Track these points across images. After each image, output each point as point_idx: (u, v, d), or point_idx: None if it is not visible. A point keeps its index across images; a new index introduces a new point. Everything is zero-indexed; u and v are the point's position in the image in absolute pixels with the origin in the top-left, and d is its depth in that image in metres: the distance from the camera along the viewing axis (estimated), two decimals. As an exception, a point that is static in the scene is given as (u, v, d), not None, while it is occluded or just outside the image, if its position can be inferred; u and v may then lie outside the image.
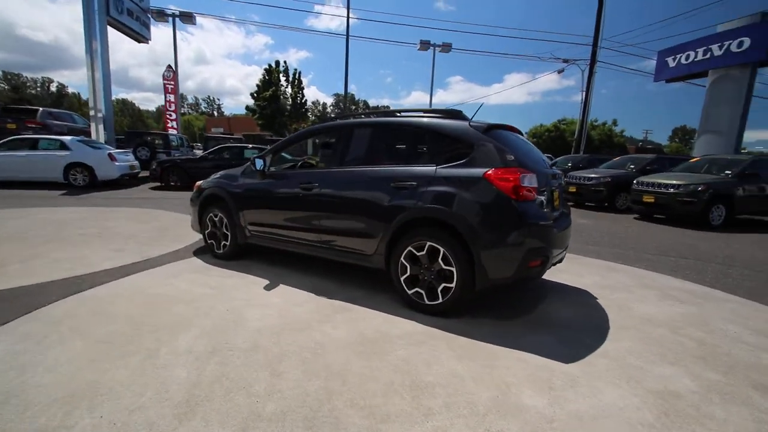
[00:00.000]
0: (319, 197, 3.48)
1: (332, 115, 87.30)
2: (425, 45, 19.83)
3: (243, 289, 3.45)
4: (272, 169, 4.00)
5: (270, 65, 32.79)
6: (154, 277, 3.67)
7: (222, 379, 2.04)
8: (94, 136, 13.06)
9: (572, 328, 2.86)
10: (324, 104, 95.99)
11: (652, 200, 8.85)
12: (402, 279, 3.07)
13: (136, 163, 11.86)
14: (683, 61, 21.19)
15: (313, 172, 3.69)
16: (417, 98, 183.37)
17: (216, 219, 4.37)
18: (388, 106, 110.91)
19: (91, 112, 13.14)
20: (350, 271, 4.02)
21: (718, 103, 18.73)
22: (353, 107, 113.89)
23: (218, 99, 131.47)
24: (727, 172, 8.69)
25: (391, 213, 3.06)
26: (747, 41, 17.74)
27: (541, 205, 2.83)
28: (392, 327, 2.75)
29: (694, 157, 11.20)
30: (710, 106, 19.12)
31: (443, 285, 2.87)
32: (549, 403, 1.94)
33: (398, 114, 3.44)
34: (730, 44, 18.42)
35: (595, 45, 24.60)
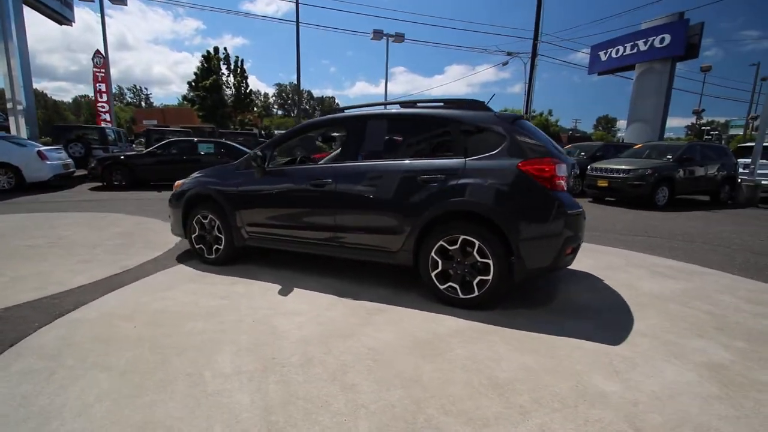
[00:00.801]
0: (335, 194, 3.28)
1: (337, 106, 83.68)
2: (378, 35, 19.64)
3: (258, 296, 3.18)
4: (270, 165, 3.71)
5: (209, 52, 30.55)
6: (146, 291, 3.26)
7: (293, 399, 1.84)
8: (14, 132, 11.30)
9: (601, 311, 2.99)
10: (265, 95, 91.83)
11: (606, 184, 9.59)
12: (433, 274, 3.00)
13: (70, 161, 10.50)
14: (613, 55, 23.10)
15: (324, 167, 3.46)
16: (362, 89, 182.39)
17: (205, 221, 3.98)
18: (333, 98, 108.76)
19: (9, 105, 11.34)
20: (363, 269, 3.87)
21: (644, 94, 20.67)
22: (296, 98, 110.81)
23: (146, 88, 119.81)
24: (667, 156, 9.64)
25: (420, 208, 2.97)
26: (668, 38, 19.73)
27: (570, 193, 2.90)
28: (437, 325, 2.68)
29: (637, 144, 12.27)
30: (637, 97, 21.04)
31: (479, 278, 2.85)
32: (624, 387, 1.99)
33: (416, 105, 3.32)
34: (653, 40, 20.36)
35: (535, 39, 25.80)
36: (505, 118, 2.95)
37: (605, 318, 2.86)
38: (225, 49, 31.51)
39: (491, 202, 2.76)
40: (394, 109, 3.35)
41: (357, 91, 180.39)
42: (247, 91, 32.38)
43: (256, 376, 2.03)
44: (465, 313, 2.86)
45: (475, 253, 2.84)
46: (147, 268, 3.93)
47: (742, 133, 39.30)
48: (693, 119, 42.39)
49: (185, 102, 32.49)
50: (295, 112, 24.56)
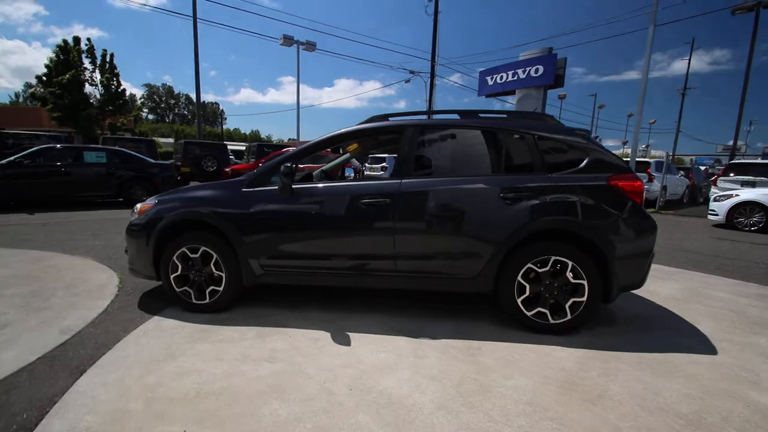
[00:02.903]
0: (396, 215, 2.77)
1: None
2: (288, 41, 18.59)
3: (314, 351, 2.45)
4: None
5: (66, 42, 24.98)
6: (139, 366, 2.25)
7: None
8: None
9: (674, 323, 3.07)
10: (132, 96, 79.64)
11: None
12: (519, 300, 2.73)
13: None
14: (498, 80, 26.20)
15: (377, 185, 2.90)
16: (248, 96, 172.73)
17: (194, 256, 3.01)
18: (215, 103, 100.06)
19: None
20: (406, 299, 3.37)
21: (525, 116, 23.87)
22: (172, 101, 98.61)
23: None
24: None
25: (504, 228, 2.68)
26: (541, 68, 23.22)
27: None
28: (554, 360, 2.40)
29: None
30: (520, 118, 24.19)
31: (572, 300, 2.68)
32: (782, 400, 2.02)
33: (478, 116, 3.02)
34: (530, 70, 23.71)
35: (433, 59, 27.70)
36: (583, 133, 2.87)
37: (688, 330, 2.93)
38: (89, 39, 26.29)
39: (586, 220, 2.63)
40: (464, 119, 2.99)
41: (243, 98, 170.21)
42: (120, 89, 27.49)
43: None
44: (562, 340, 2.65)
45: (568, 273, 2.66)
46: (105, 326, 2.78)
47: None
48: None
49: (33, 101, 25.83)
50: (196, 121, 21.25)
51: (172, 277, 3.04)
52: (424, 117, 3.14)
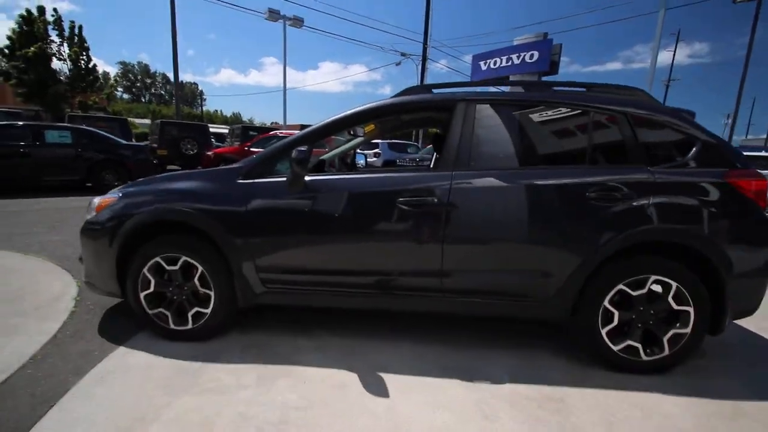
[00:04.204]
0: (444, 220, 2.08)
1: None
2: (274, 15, 17.32)
3: (342, 408, 1.77)
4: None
5: (29, 12, 22.92)
6: (119, 417, 1.54)
7: None
8: None
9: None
10: (105, 74, 75.59)
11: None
12: (605, 331, 2.10)
13: None
14: (492, 66, 25.50)
15: (419, 177, 2.19)
16: (229, 77, 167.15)
17: (173, 268, 2.27)
18: (194, 83, 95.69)
19: None
20: (437, 318, 2.72)
21: (520, 103, 23.38)
22: (149, 80, 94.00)
23: None
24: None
25: (590, 237, 2.03)
26: (536, 54, 22.59)
27: None
28: (665, 419, 1.78)
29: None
30: (514, 105, 23.69)
31: (673, 332, 2.07)
32: None
33: (552, 89, 2.32)
34: (525, 56, 23.06)
35: (425, 41, 26.80)
36: (687, 112, 2.23)
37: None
38: (55, 10, 24.21)
39: (699, 229, 2.00)
40: (534, 93, 2.29)
41: (223, 79, 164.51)
42: (91, 65, 25.59)
43: None
44: (657, 382, 2.04)
45: (669, 298, 2.04)
46: (50, 365, 2.05)
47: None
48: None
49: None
50: (174, 101, 19.70)
51: (142, 295, 2.30)
52: (472, 91, 2.43)
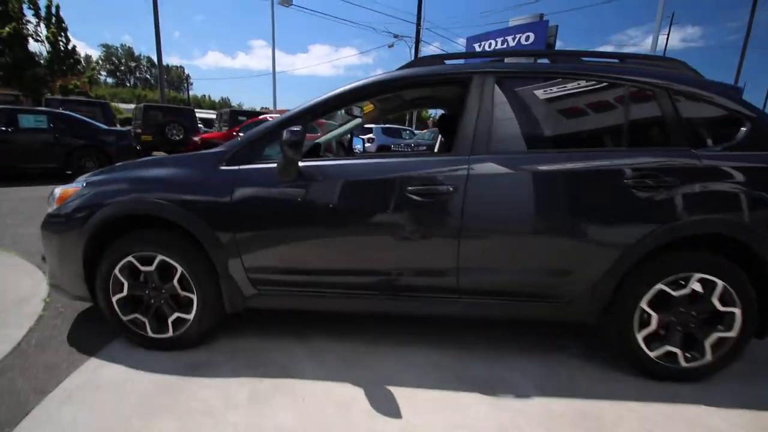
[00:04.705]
0: (462, 211, 1.81)
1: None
2: (262, -6, 16.54)
3: (343, 419, 1.53)
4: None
5: (1, -12, 21.74)
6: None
7: None
8: None
9: None
10: (88, 57, 72.93)
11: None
12: (641, 336, 1.87)
13: None
14: (487, 48, 24.97)
15: (431, 162, 1.91)
16: (216, 60, 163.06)
17: (149, 269, 1.97)
18: (180, 67, 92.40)
19: None
20: (442, 327, 2.47)
21: (515, 86, 22.99)
22: (133, 64, 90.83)
23: None
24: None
25: (628, 230, 1.78)
26: (532, 36, 22.07)
27: None
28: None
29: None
30: (509, 88, 23.31)
31: (717, 336, 1.85)
32: None
33: (580, 59, 2.02)
34: (520, 37, 22.52)
35: (418, 22, 26.13)
36: (733, 88, 1.96)
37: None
38: (31, -14, 23.02)
39: (753, 221, 1.76)
40: (562, 65, 1.98)
41: (211, 62, 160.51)
42: (70, 47, 24.53)
43: None
44: (698, 391, 1.84)
45: (714, 299, 1.81)
46: (9, 381, 1.78)
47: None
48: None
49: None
50: (160, 86, 18.69)
51: (114, 299, 2.01)
52: (490, 61, 2.13)
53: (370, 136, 15.83)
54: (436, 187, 1.82)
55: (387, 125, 16.52)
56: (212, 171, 1.94)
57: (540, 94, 1.97)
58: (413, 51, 24.78)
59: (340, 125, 3.18)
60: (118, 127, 9.88)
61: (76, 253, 1.97)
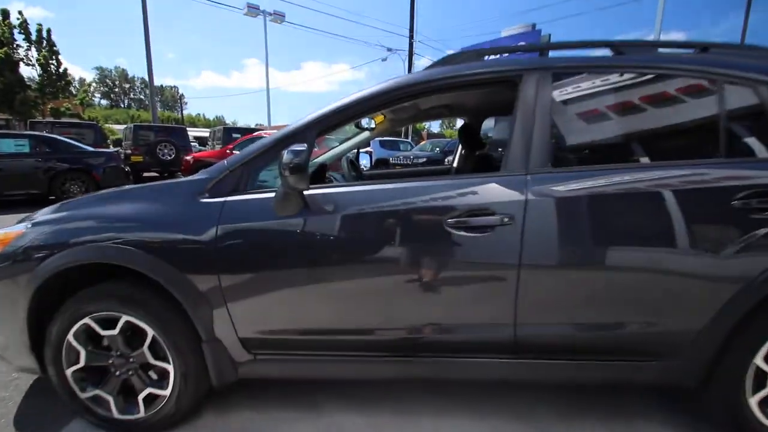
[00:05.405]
0: (520, 247, 1.38)
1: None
2: (254, 10, 16.40)
3: None
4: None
5: (-8, 15, 21.56)
6: None
7: None
8: None
9: None
10: (82, 80, 72.94)
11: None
12: (754, 400, 1.43)
13: None
14: (481, 58, 25.05)
15: (476, 185, 1.48)
16: (210, 80, 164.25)
17: (112, 333, 1.52)
18: (174, 87, 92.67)
19: None
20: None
21: (508, 95, 23.07)
22: (127, 85, 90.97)
23: None
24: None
25: (738, 267, 1.36)
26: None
27: None
28: None
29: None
30: (500, 97, 23.39)
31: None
32: None
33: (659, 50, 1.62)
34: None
35: (411, 35, 26.17)
36: None
37: None
38: (20, 13, 22.90)
39: None
40: (634, 58, 1.56)
41: (205, 82, 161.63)
42: (62, 70, 24.27)
43: None
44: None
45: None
46: None
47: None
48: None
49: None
50: (151, 104, 18.36)
51: (68, 372, 1.55)
52: (537, 56, 1.73)
53: (368, 149, 15.53)
54: (484, 218, 1.39)
55: (384, 138, 16.26)
56: (190, 204, 1.51)
57: (610, 93, 1.55)
58: (407, 64, 24.76)
59: (344, 140, 2.77)
60: (105, 149, 9.46)
61: (18, 315, 1.52)
